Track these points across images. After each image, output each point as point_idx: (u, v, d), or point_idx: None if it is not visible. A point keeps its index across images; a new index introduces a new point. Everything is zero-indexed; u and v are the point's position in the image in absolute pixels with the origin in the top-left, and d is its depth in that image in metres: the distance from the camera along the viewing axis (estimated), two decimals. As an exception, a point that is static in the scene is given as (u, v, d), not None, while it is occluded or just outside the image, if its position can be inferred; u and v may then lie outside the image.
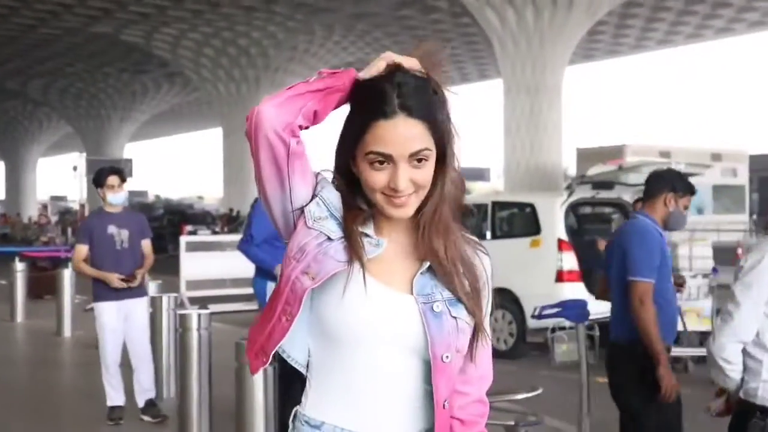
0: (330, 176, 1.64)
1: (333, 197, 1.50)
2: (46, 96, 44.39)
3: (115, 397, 6.42)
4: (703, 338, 8.47)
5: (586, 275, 9.24)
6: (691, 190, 4.52)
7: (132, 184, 46.94)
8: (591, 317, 5.28)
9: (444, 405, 1.49)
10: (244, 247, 6.36)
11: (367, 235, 1.49)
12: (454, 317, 1.48)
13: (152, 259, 6.82)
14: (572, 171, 23.98)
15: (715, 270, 11.45)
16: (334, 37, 33.10)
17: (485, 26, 25.08)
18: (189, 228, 26.36)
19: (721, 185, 22.26)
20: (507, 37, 24.82)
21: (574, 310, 5.16)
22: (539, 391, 4.73)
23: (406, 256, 1.52)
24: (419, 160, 1.43)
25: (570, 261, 9.25)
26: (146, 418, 6.52)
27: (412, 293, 1.47)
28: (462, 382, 1.56)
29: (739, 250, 17.54)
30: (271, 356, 1.50)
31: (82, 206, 33.46)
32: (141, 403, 6.55)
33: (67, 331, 11.17)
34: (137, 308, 6.51)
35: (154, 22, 31.40)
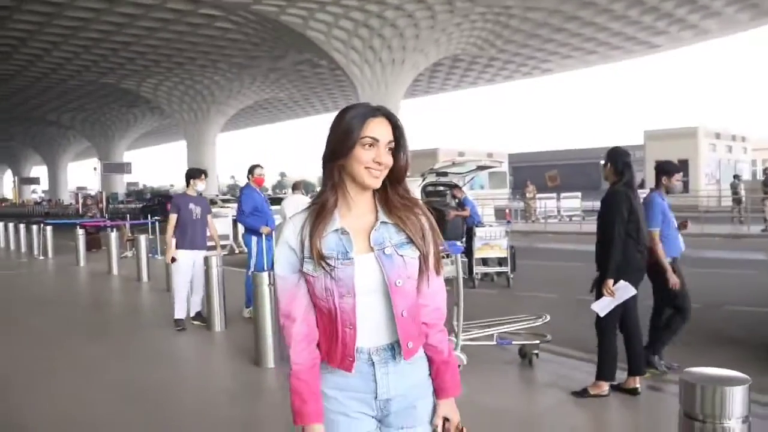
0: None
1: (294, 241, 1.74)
2: (73, 123, 52.42)
3: (180, 311, 7.14)
4: (501, 261, 9.90)
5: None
6: (677, 170, 5.33)
7: (130, 178, 55.69)
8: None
9: (402, 314, 1.71)
10: (240, 218, 7.56)
11: (336, 230, 1.72)
12: (401, 255, 1.72)
13: (214, 227, 7.57)
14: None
15: (508, 222, 13.65)
16: (256, 82, 40.25)
17: (351, 75, 30.75)
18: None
19: (493, 172, 25.97)
20: (364, 82, 30.67)
21: (453, 247, 5.29)
22: (548, 319, 5.49)
23: (367, 221, 1.76)
24: (390, 149, 1.73)
25: None
26: (196, 322, 7.22)
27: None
28: (422, 297, 1.78)
29: (507, 211, 22.25)
30: (355, 355, 1.72)
31: (101, 193, 36.07)
32: (193, 314, 7.32)
33: (114, 270, 12.42)
34: (199, 256, 7.08)
35: (145, 74, 38.48)
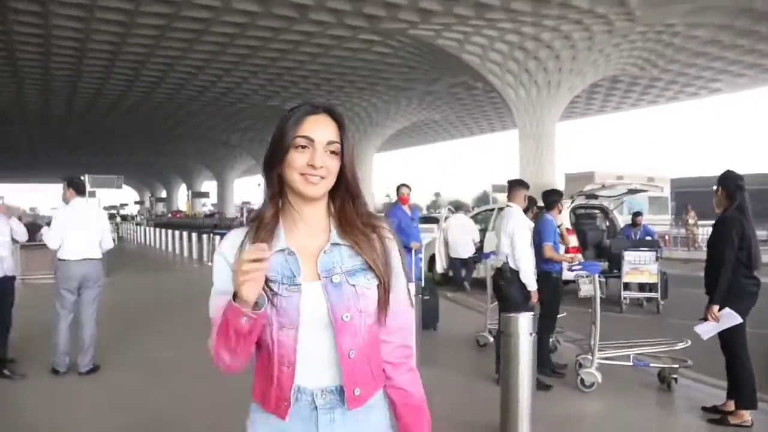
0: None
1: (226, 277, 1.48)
2: (241, 142, 56.76)
3: None
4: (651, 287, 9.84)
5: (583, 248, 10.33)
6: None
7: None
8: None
9: (349, 354, 1.46)
10: None
11: (282, 250, 1.48)
12: (352, 285, 1.47)
13: None
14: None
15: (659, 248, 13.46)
16: (412, 104, 41.31)
17: (506, 98, 30.71)
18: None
19: (654, 197, 24.88)
20: (520, 105, 30.50)
21: (591, 267, 5.77)
22: (688, 344, 5.48)
23: (319, 242, 1.51)
24: (332, 152, 1.48)
25: (573, 241, 9.95)
26: None
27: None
28: (386, 333, 1.55)
29: (666, 237, 22.56)
30: (291, 399, 1.46)
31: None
32: None
33: None
34: None
35: (306, 96, 39.64)
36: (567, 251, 10.04)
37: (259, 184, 50.39)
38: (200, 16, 24.74)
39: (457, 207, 11.00)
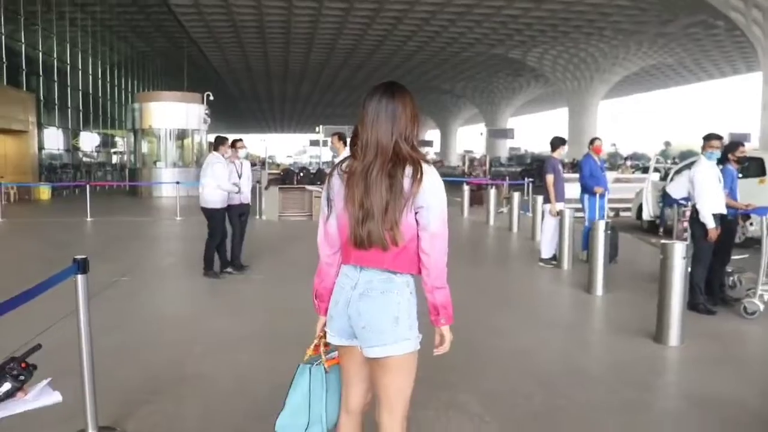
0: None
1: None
2: (464, 91, 58.81)
3: (547, 252, 9.33)
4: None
5: None
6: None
7: (512, 143, 59.38)
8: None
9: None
10: (580, 180, 9.56)
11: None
12: None
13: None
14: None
15: None
16: (642, 48, 40.06)
17: (752, 38, 28.57)
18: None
19: None
20: (767, 44, 27.98)
21: (760, 210, 6.42)
22: None
23: None
24: None
25: None
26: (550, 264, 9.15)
27: None
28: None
29: None
30: None
31: (485, 156, 41.01)
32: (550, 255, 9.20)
33: (491, 222, 14.84)
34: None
35: (531, 44, 41.99)
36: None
37: (481, 133, 52.28)
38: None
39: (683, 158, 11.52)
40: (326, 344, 2.52)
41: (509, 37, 39.19)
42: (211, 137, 26.68)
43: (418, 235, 2.32)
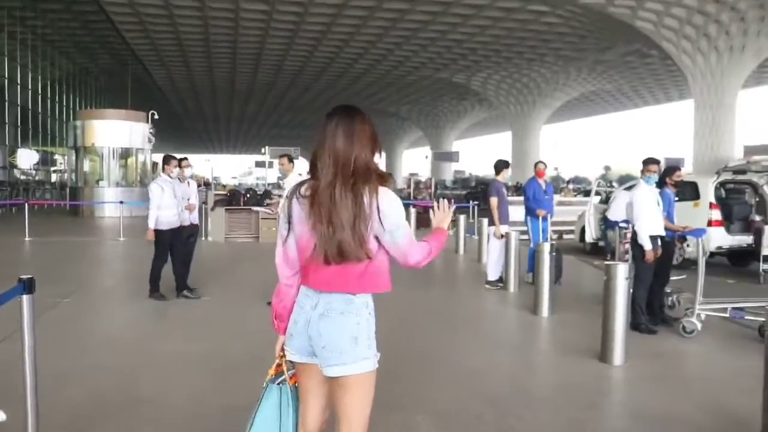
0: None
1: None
2: (410, 114, 59.17)
3: (493, 274, 9.46)
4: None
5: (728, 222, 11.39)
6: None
7: (457, 166, 59.78)
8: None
9: None
10: (525, 203, 9.93)
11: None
12: None
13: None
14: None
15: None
16: (582, 74, 41.07)
17: (682, 66, 30.07)
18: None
19: None
20: (696, 73, 29.62)
21: (696, 232, 6.90)
22: None
23: None
24: None
25: (716, 215, 11.33)
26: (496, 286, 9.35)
27: None
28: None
29: None
30: None
31: (429, 179, 38.60)
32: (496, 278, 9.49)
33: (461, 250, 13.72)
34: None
35: (475, 68, 41.78)
36: (710, 224, 10.75)
37: (426, 156, 52.68)
38: (372, -6, 26.66)
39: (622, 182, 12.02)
40: (287, 366, 2.53)
41: (454, 62, 39.77)
42: (156, 156, 26.45)
43: (387, 252, 2.41)
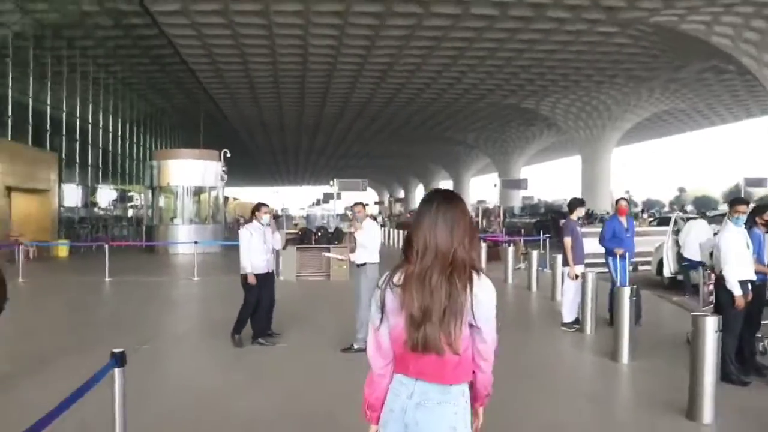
0: None
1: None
2: (477, 142, 58.80)
3: (569, 316, 9.19)
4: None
5: None
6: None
7: (525, 193, 58.89)
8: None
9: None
10: (600, 241, 9.43)
11: None
12: None
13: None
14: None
15: None
16: (654, 94, 40.01)
17: (763, 80, 28.90)
18: (562, 221, 35.22)
19: None
20: None
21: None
22: None
23: None
24: None
25: None
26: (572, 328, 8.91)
27: None
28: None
29: None
30: None
31: (497, 206, 38.43)
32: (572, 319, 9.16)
33: (509, 279, 14.81)
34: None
35: (543, 93, 41.38)
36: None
37: (495, 185, 52.18)
38: (440, 24, 26.77)
39: (702, 213, 11.61)
40: None
41: (521, 87, 39.39)
42: (228, 191, 27.09)
43: (474, 346, 2.38)
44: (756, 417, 5.53)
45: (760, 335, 7.10)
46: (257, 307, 8.47)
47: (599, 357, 7.59)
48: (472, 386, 2.44)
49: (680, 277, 12.76)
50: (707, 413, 5.25)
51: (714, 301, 7.23)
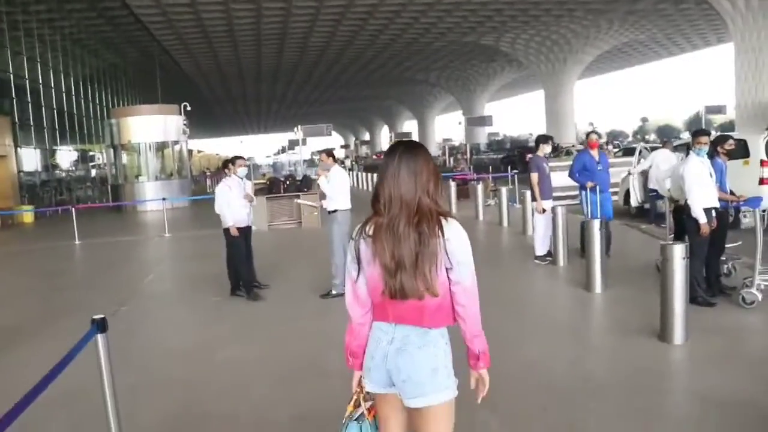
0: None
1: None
2: (439, 80, 58.57)
3: (541, 249, 9.41)
4: None
5: None
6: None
7: (490, 129, 59.13)
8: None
9: None
10: (570, 175, 9.46)
11: None
12: None
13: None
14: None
15: None
16: (614, 27, 39.87)
17: (720, 10, 28.49)
18: (529, 156, 36.32)
19: None
20: (737, 16, 28.11)
21: (753, 202, 6.74)
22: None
23: None
24: None
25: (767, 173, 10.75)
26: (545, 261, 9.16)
27: None
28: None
29: None
30: None
31: (464, 144, 42.10)
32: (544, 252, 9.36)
33: (480, 216, 14.98)
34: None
35: (503, 29, 41.16)
36: (761, 182, 10.45)
37: (460, 122, 52.24)
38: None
39: (664, 142, 11.80)
40: (365, 397, 2.58)
41: (480, 24, 39.04)
42: (191, 144, 26.62)
43: (450, 289, 2.41)
44: (723, 334, 5.79)
45: (724, 258, 7.36)
46: (240, 259, 8.50)
47: (573, 288, 7.81)
48: (463, 335, 2.49)
49: (647, 206, 13.05)
50: (678, 334, 5.50)
51: (674, 228, 7.46)
